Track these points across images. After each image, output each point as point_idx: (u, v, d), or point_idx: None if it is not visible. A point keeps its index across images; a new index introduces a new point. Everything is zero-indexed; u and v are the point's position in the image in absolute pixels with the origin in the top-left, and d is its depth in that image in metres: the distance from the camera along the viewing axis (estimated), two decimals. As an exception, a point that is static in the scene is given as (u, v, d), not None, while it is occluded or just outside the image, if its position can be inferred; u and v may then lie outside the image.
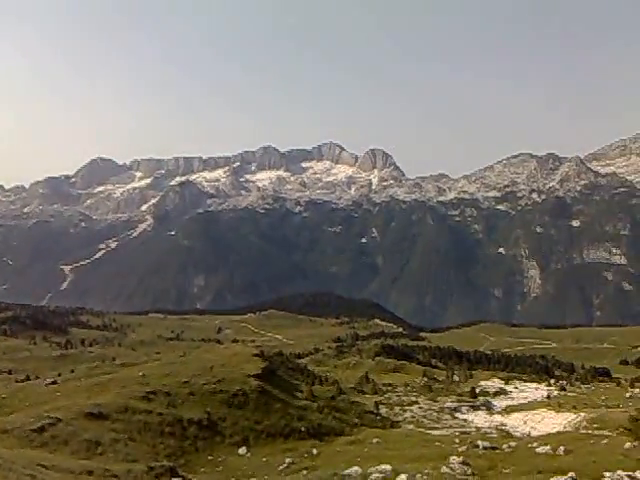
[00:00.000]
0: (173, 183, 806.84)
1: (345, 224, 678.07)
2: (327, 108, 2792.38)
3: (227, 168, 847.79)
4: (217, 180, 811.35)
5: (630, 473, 27.80)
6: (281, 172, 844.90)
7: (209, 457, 38.71)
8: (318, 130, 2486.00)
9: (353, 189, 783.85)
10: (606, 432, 57.32)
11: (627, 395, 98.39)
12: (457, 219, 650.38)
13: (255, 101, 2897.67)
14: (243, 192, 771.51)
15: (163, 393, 48.44)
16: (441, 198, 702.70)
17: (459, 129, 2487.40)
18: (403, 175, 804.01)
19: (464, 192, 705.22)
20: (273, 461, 37.89)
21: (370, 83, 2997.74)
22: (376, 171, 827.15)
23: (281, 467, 35.00)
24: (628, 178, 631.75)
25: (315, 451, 42.58)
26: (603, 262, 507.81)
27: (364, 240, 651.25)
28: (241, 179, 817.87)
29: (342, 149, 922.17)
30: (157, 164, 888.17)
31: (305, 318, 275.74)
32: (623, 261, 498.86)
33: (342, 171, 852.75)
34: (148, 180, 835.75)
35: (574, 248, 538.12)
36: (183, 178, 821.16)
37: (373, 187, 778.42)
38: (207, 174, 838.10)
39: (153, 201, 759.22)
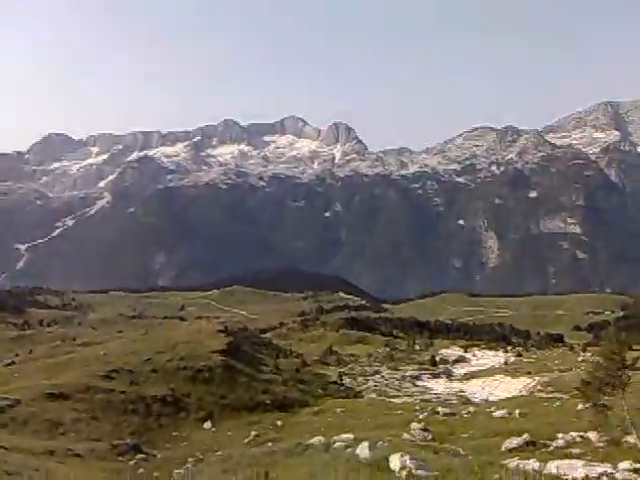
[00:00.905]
0: (131, 159, 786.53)
1: (309, 199, 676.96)
2: (289, 81, 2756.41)
3: (187, 143, 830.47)
4: (177, 155, 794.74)
5: (582, 434, 29.21)
6: (243, 146, 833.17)
7: (173, 433, 38.83)
8: (280, 104, 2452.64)
9: (316, 163, 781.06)
10: (559, 395, 59.94)
11: (579, 359, 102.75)
12: (419, 192, 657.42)
13: (215, 74, 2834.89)
14: (204, 167, 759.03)
15: (125, 371, 48.09)
16: (403, 172, 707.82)
17: (420, 103, 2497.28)
18: (366, 149, 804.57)
19: (425, 165, 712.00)
20: (238, 434, 38.28)
21: (332, 56, 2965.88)
22: (339, 145, 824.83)
23: (246, 440, 35.39)
24: (583, 150, 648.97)
25: (280, 423, 43.19)
26: (559, 232, 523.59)
27: (328, 214, 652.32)
28: (202, 154, 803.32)
29: (305, 123, 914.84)
30: (114, 139, 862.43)
31: (270, 293, 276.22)
32: (577, 230, 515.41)
33: (305, 145, 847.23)
34: (105, 156, 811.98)
35: (531, 219, 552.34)
36: (142, 153, 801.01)
37: (336, 161, 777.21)
38: (166, 149, 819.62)
39: (111, 177, 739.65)
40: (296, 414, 48.49)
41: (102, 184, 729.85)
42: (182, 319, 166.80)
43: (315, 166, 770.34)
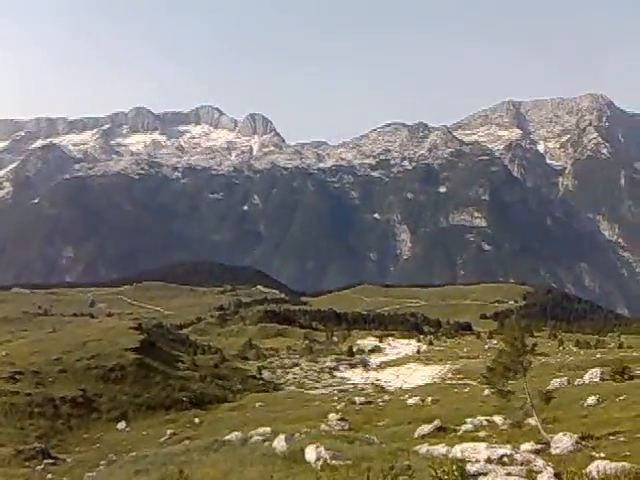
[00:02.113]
0: (35, 146, 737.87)
1: (226, 191, 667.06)
2: (204, 69, 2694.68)
3: (96, 130, 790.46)
4: (85, 143, 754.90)
5: (488, 418, 31.16)
6: (156, 136, 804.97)
7: (85, 435, 37.36)
8: (195, 93, 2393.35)
9: (234, 155, 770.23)
10: (468, 382, 63.41)
11: (486, 346, 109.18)
12: (336, 185, 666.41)
13: (126, 59, 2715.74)
14: (114, 156, 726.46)
15: (31, 372, 45.62)
16: (320, 165, 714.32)
17: (336, 97, 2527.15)
18: (283, 142, 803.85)
19: (342, 159, 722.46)
20: (154, 433, 37.46)
21: (248, 46, 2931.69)
22: (257, 137, 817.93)
23: (162, 439, 34.73)
24: (489, 146, 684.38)
25: (197, 420, 42.66)
26: (466, 225, 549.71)
27: (246, 207, 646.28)
28: (112, 142, 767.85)
29: (221, 113, 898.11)
30: (15, 126, 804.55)
31: (186, 288, 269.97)
32: (483, 224, 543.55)
33: (222, 136, 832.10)
34: (5, 143, 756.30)
35: (441, 212, 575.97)
36: (46, 141, 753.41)
37: (254, 153, 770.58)
38: (73, 137, 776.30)
39: (12, 166, 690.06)
40: (214, 410, 48.08)
41: (2, 173, 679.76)
42: (92, 316, 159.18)
43: (232, 158, 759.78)
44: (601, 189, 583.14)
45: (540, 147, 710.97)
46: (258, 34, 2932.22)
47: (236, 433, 19.21)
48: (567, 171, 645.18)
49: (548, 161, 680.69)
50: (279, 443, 13.89)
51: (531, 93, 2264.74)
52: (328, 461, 11.20)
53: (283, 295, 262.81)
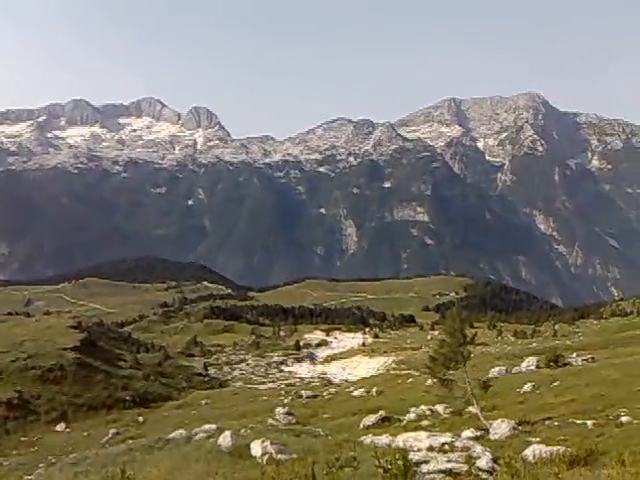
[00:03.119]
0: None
1: (169, 185, 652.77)
2: (146, 61, 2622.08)
3: (31, 122, 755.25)
4: (19, 135, 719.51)
5: (431, 407, 32.01)
6: (96, 128, 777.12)
7: (22, 438, 35.99)
8: (135, 85, 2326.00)
9: (177, 148, 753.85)
10: (412, 372, 64.88)
11: (429, 337, 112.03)
12: (282, 180, 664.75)
13: (65, 50, 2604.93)
14: (52, 150, 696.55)
15: (-39, 376, 43.39)
16: (267, 160, 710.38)
17: (282, 91, 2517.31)
18: (229, 136, 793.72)
19: (289, 154, 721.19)
20: (96, 434, 36.47)
21: (190, 40, 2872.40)
22: (201, 130, 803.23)
23: (104, 439, 33.88)
24: (431, 143, 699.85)
25: (141, 419, 41.79)
26: (410, 220, 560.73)
27: (190, 202, 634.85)
28: (49, 135, 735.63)
29: (163, 105, 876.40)
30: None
31: (128, 285, 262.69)
32: (426, 218, 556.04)
33: (164, 129, 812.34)
34: None
35: (385, 207, 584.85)
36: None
37: (198, 147, 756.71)
38: (7, 128, 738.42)
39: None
40: (159, 409, 47.28)
41: None
42: (28, 315, 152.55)
43: (176, 151, 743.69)
44: (537, 185, 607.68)
45: (480, 144, 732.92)
46: (201, 28, 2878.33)
47: (180, 431, 18.95)
48: (505, 167, 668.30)
49: (487, 157, 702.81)
50: (224, 439, 13.80)
51: (472, 91, 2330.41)
52: (274, 455, 11.23)
53: (229, 291, 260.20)
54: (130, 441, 28.59)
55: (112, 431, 35.70)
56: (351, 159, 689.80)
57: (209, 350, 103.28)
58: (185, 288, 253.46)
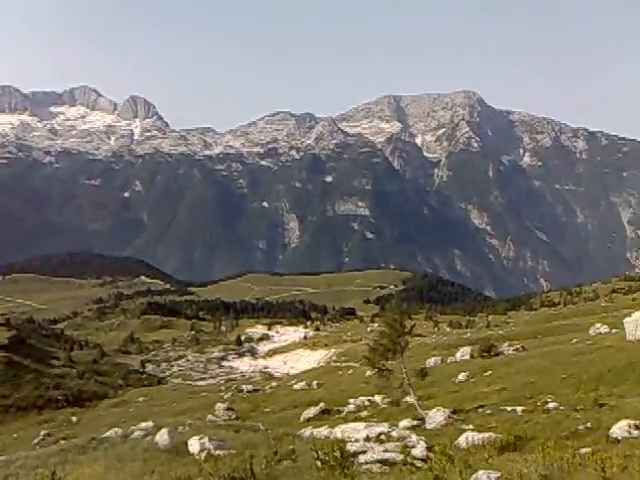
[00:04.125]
0: None
1: (105, 177, 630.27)
2: (79, 49, 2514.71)
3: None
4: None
5: (370, 397, 32.65)
6: (25, 117, 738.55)
7: (-57, 445, 33.97)
8: (69, 72, 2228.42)
9: (113, 139, 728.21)
10: (352, 364, 65.86)
11: (369, 329, 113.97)
12: (223, 173, 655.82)
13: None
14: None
15: None
16: (207, 152, 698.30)
17: (223, 84, 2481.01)
18: (167, 126, 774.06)
19: (230, 147, 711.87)
20: (26, 436, 35.09)
21: (127, 27, 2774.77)
22: (138, 121, 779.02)
23: (36, 440, 32.64)
24: (371, 139, 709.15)
25: (75, 419, 40.43)
26: (351, 214, 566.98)
27: (127, 194, 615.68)
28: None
29: (99, 94, 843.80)
30: None
31: (61, 280, 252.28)
32: (366, 213, 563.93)
33: (99, 119, 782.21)
34: None
35: (327, 201, 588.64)
36: None
37: (135, 138, 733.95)
38: None
39: None
40: (94, 408, 45.93)
41: None
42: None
43: (111, 142, 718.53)
44: (472, 180, 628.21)
45: (418, 140, 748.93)
46: (137, 13, 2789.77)
47: (116, 429, 18.44)
48: (442, 163, 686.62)
49: (425, 154, 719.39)
50: (161, 437, 13.54)
51: (411, 88, 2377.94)
52: (212, 451, 11.13)
53: (168, 286, 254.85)
54: (63, 442, 27.59)
55: (43, 432, 34.42)
56: (293, 153, 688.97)
57: (147, 347, 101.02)
58: (121, 283, 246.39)
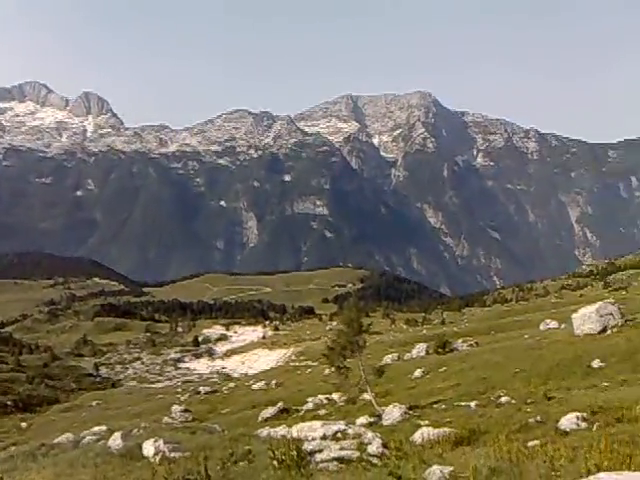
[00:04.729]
0: None
1: (56, 175, 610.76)
2: (30, 44, 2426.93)
3: None
4: None
5: (328, 396, 32.84)
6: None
7: None
8: (19, 68, 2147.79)
9: (65, 136, 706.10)
10: (311, 363, 66.04)
11: (327, 328, 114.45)
12: (180, 172, 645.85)
13: None
14: None
15: None
16: (163, 150, 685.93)
17: (180, 80, 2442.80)
18: (122, 124, 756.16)
19: (186, 145, 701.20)
20: (-29, 445, 33.60)
21: (78, 26, 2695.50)
22: (91, 117, 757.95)
23: (-18, 450, 31.26)
24: (329, 138, 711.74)
25: (24, 425, 39.14)
26: (309, 213, 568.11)
27: (80, 193, 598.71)
28: None
29: (49, 90, 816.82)
30: None
31: (8, 281, 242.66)
32: (325, 212, 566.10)
33: (50, 115, 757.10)
34: None
35: (286, 201, 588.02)
36: None
37: (88, 135, 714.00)
38: None
39: None
40: (45, 413, 44.57)
41: None
42: None
43: (63, 139, 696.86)
44: (427, 180, 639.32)
45: (375, 140, 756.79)
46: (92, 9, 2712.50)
47: (67, 435, 17.93)
48: (398, 163, 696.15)
49: (382, 153, 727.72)
50: (115, 441, 13.25)
51: (369, 88, 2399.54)
52: (167, 454, 10.96)
53: (122, 287, 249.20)
54: (12, 448, 26.63)
55: (-10, 440, 33.08)
56: (251, 151, 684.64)
57: (100, 349, 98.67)
58: (74, 284, 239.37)
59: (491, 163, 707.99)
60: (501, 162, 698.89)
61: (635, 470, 5.15)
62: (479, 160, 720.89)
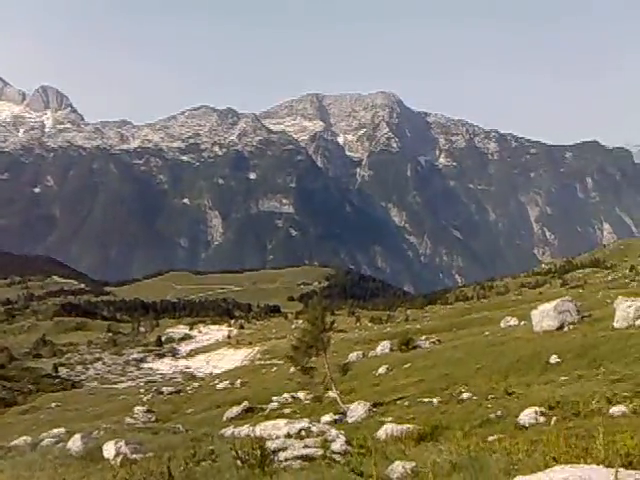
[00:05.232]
0: None
1: (13, 171, 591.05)
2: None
3: None
4: None
5: (293, 394, 32.89)
6: None
7: None
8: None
9: (22, 131, 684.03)
10: (276, 361, 65.95)
11: (293, 327, 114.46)
12: (142, 168, 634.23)
13: None
14: None
15: None
16: (124, 146, 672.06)
17: (141, 77, 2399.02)
18: (82, 119, 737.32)
19: (148, 141, 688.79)
20: None
21: (37, 17, 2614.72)
22: (49, 112, 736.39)
23: None
24: (295, 136, 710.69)
25: (-22, 429, 37.81)
26: (275, 211, 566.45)
27: (38, 189, 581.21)
28: None
29: (5, 83, 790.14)
30: None
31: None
32: (291, 210, 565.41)
33: (6, 109, 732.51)
34: None
35: (251, 198, 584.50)
36: None
37: (47, 130, 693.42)
38: None
39: None
40: (1, 416, 43.22)
41: None
42: None
43: (20, 134, 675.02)
44: (391, 180, 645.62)
45: (340, 139, 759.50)
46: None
47: (25, 437, 17.45)
48: (363, 163, 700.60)
49: (347, 153, 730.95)
50: (74, 443, 12.96)
51: (335, 87, 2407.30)
52: (128, 456, 10.80)
53: (83, 286, 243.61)
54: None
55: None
56: (216, 149, 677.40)
57: (60, 350, 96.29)
58: (32, 283, 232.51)
59: (453, 163, 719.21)
60: (463, 162, 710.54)
61: (591, 463, 5.34)
62: (441, 160, 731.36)
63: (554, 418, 13.65)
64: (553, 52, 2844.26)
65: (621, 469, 4.68)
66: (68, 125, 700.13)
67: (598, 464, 5.07)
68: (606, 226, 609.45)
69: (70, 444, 13.18)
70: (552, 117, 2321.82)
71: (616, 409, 12.98)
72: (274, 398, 31.77)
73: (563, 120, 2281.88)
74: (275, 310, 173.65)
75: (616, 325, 27.45)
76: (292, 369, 39.65)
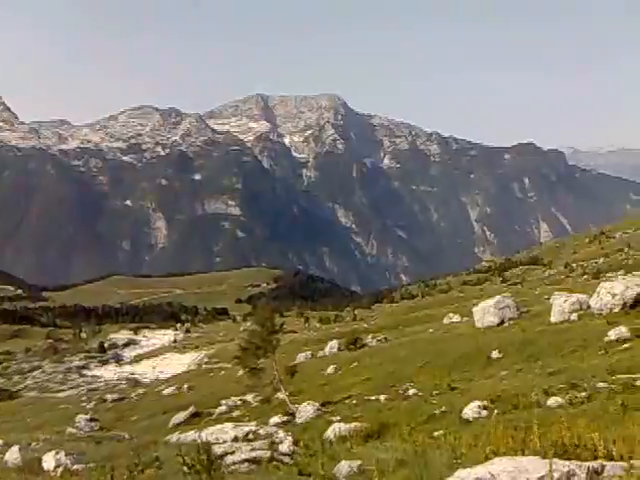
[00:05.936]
0: None
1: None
2: None
3: None
4: None
5: (241, 397, 32.61)
6: None
7: None
8: None
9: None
10: (224, 365, 65.13)
11: (241, 329, 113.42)
12: (81, 169, 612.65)
13: None
14: None
15: None
16: (63, 146, 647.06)
17: (78, 76, 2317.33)
18: (16, 118, 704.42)
19: (88, 141, 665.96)
20: None
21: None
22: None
23: None
24: (240, 137, 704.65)
25: None
26: (221, 213, 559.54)
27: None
28: None
29: None
30: None
31: None
32: (237, 212, 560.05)
33: None
34: None
35: (196, 200, 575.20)
36: None
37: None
38: None
39: None
40: None
41: None
42: None
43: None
44: (338, 181, 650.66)
45: (286, 140, 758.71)
46: None
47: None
48: (310, 164, 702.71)
49: (294, 154, 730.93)
50: (12, 455, 12.39)
51: (281, 87, 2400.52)
52: (69, 467, 10.44)
53: (19, 291, 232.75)
54: None
55: None
56: (159, 149, 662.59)
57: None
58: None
59: (397, 165, 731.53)
60: (406, 164, 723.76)
61: (529, 455, 5.56)
62: (386, 162, 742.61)
63: (495, 411, 14.14)
64: (492, 56, 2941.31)
65: (555, 459, 4.90)
66: (1, 124, 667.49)
67: (535, 455, 5.30)
68: (543, 225, 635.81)
69: (7, 456, 12.60)
70: (491, 119, 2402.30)
71: (553, 401, 13.56)
72: (222, 402, 31.44)
73: (501, 122, 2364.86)
74: (222, 313, 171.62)
75: (553, 320, 28.71)
76: (240, 372, 39.30)
